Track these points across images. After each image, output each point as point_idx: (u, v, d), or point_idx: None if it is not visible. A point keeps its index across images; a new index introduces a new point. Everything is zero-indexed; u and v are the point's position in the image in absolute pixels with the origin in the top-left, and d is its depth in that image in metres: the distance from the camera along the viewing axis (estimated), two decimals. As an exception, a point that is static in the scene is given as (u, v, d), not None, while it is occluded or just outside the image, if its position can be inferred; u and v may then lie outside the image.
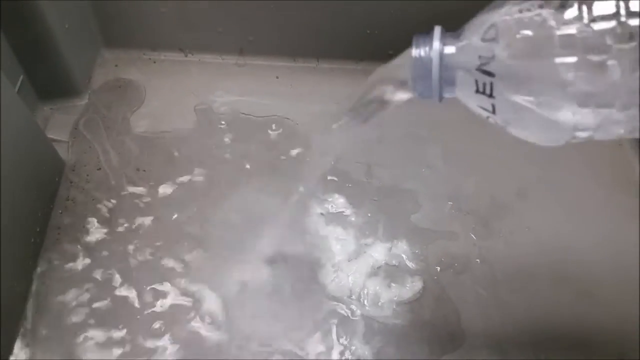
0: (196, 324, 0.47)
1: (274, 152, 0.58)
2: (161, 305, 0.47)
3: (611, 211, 0.56)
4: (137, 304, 0.47)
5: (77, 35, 0.57)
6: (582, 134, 0.28)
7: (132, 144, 0.56)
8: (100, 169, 0.54)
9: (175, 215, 0.52)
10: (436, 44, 0.29)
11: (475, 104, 0.29)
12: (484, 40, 0.27)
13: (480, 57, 0.28)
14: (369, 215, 0.54)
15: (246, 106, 0.61)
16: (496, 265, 0.52)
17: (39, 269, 0.48)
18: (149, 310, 0.47)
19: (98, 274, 0.48)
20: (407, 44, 0.63)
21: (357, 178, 0.56)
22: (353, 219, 0.53)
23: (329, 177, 0.56)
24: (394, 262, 0.51)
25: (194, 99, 0.61)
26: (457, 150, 0.59)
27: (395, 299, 0.49)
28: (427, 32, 0.30)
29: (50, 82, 0.57)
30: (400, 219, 0.54)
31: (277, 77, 0.64)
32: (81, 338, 0.45)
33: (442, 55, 0.29)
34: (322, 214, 0.54)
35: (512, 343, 0.48)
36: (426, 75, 0.30)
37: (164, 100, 0.60)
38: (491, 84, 0.27)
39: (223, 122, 0.59)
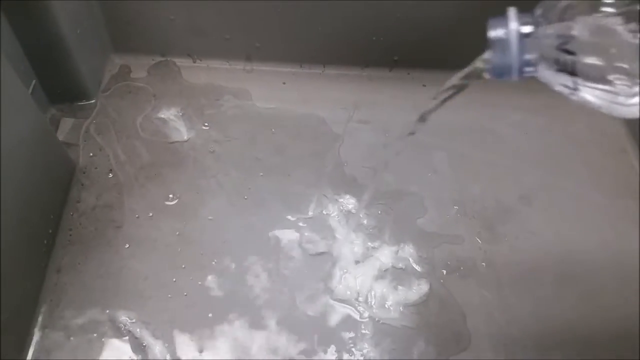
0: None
1: (283, 156, 0.58)
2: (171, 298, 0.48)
3: (614, 216, 0.57)
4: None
5: (88, 41, 0.58)
6: None
7: (142, 147, 0.57)
8: (111, 171, 0.55)
9: (186, 220, 0.53)
10: (513, 24, 0.30)
11: (557, 82, 0.29)
12: (561, 19, 0.28)
13: (559, 36, 0.28)
14: (376, 219, 0.54)
15: (254, 111, 0.62)
16: (501, 269, 0.52)
17: (50, 270, 0.49)
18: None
19: (109, 275, 0.49)
20: (412, 50, 0.64)
21: (364, 182, 0.57)
22: (360, 222, 0.54)
23: (338, 180, 0.57)
24: (400, 265, 0.52)
25: (202, 104, 0.62)
26: (463, 156, 0.60)
27: (402, 301, 0.50)
28: (502, 15, 0.30)
29: (62, 86, 0.58)
30: (407, 223, 0.54)
31: (284, 83, 0.65)
32: (93, 340, 0.46)
33: (519, 35, 0.29)
34: (328, 214, 0.54)
35: (516, 344, 0.48)
36: (504, 55, 0.30)
37: (173, 105, 0.61)
38: (572, 62, 0.27)
39: (231, 127, 0.60)
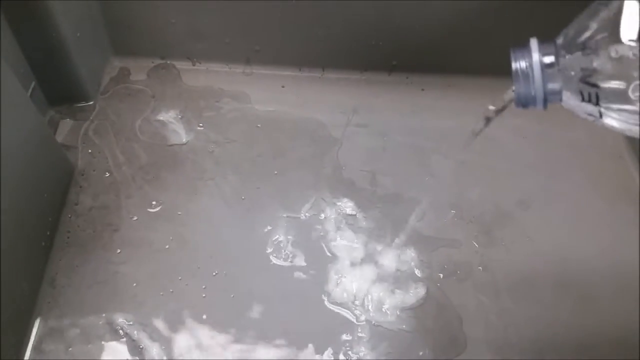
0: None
1: (281, 159, 0.58)
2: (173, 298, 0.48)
3: (612, 221, 0.57)
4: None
5: (88, 44, 0.58)
6: None
7: (140, 150, 0.57)
8: (109, 174, 0.55)
9: (183, 223, 0.53)
10: (535, 55, 0.30)
11: (582, 110, 0.30)
12: (584, 53, 0.28)
13: (582, 69, 0.28)
14: (374, 222, 0.55)
15: (253, 114, 0.62)
16: (498, 273, 0.52)
17: (48, 272, 0.49)
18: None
19: (106, 277, 0.49)
20: (411, 55, 0.64)
21: (362, 186, 0.57)
22: (358, 225, 0.54)
23: (336, 183, 0.57)
24: (398, 268, 0.52)
25: (201, 106, 0.62)
26: (460, 160, 0.60)
27: (399, 305, 0.50)
28: (524, 45, 0.31)
29: (61, 88, 0.58)
30: (405, 227, 0.54)
31: (283, 86, 0.65)
32: (90, 342, 0.46)
33: (542, 66, 0.30)
34: (326, 217, 0.54)
35: (513, 349, 0.48)
36: (528, 87, 0.31)
37: (172, 107, 0.61)
38: (596, 94, 0.28)
39: (230, 130, 0.60)
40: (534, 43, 0.30)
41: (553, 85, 0.30)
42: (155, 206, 0.54)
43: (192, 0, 0.58)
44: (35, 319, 0.47)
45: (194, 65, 0.66)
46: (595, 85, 0.28)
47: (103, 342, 0.46)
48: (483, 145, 0.61)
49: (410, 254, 0.53)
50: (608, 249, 0.55)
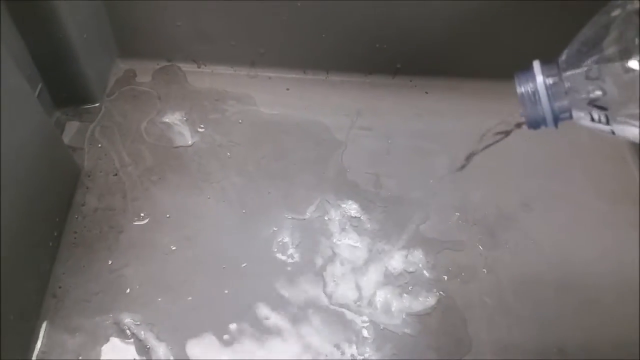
0: (209, 328, 0.48)
1: (286, 161, 0.59)
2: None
3: (614, 223, 0.57)
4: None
5: (94, 46, 0.58)
6: None
7: (146, 152, 0.58)
8: (116, 175, 0.56)
9: (188, 224, 0.53)
10: (539, 77, 0.30)
11: (594, 128, 0.30)
12: (588, 78, 0.28)
13: (589, 92, 0.28)
14: (378, 224, 0.55)
15: (257, 117, 0.62)
16: (502, 275, 0.53)
17: (55, 272, 0.49)
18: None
19: (112, 278, 0.49)
20: (415, 58, 0.65)
21: (366, 188, 0.57)
22: (363, 226, 0.55)
23: (341, 185, 0.57)
24: (402, 270, 0.52)
25: (206, 108, 0.62)
26: (464, 162, 0.60)
27: (406, 308, 0.50)
28: (527, 69, 0.31)
29: (68, 90, 0.58)
30: (409, 229, 0.55)
31: (288, 89, 0.65)
32: (97, 342, 0.46)
33: (547, 87, 0.30)
34: (330, 219, 0.55)
35: (517, 350, 0.49)
36: (536, 109, 0.31)
37: (178, 109, 0.62)
38: (606, 115, 0.28)
39: (235, 132, 0.61)
40: (536, 65, 0.31)
41: (560, 104, 0.30)
42: (161, 208, 0.54)
43: (197, 1, 0.58)
44: (43, 318, 0.47)
45: (199, 67, 0.66)
46: (603, 108, 0.28)
47: (110, 342, 0.46)
48: (486, 148, 0.61)
49: (418, 255, 0.53)
50: (610, 251, 0.55)
